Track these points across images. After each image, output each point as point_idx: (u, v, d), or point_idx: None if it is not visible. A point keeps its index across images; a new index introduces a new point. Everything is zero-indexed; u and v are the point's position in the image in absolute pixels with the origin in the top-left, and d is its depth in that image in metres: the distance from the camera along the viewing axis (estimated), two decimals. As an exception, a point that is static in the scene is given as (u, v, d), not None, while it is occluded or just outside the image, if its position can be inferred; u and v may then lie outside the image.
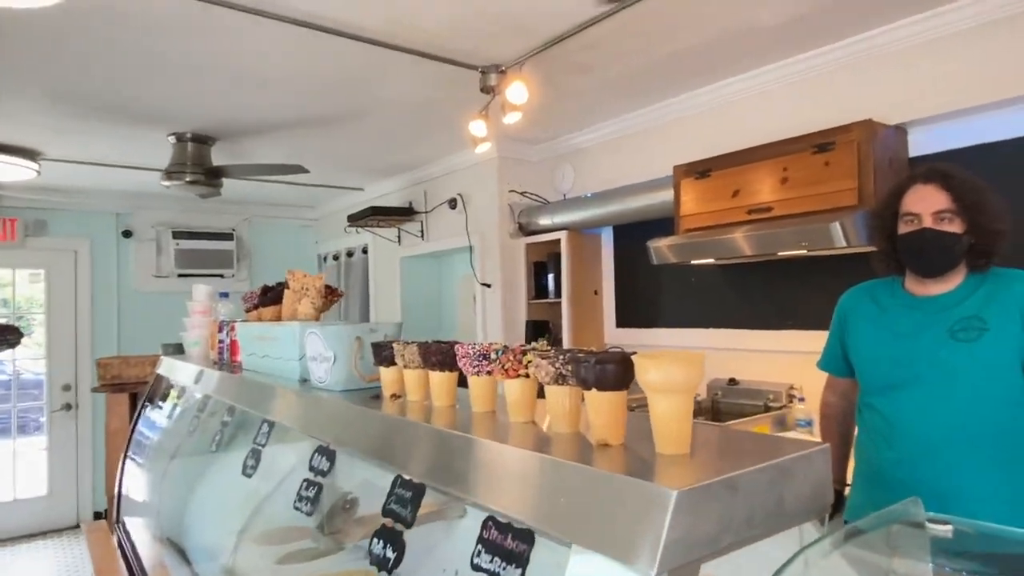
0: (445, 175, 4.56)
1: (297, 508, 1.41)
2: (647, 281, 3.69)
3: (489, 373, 1.09)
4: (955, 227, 1.68)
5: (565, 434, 0.92)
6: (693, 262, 3.02)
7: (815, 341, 2.07)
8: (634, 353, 0.84)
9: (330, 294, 1.86)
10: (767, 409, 2.88)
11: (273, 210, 6.15)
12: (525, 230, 4.11)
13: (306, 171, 3.83)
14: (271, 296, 1.99)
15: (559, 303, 3.87)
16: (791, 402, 2.83)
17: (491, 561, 0.86)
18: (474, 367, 1.10)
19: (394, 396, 1.30)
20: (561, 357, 0.92)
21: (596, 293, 3.97)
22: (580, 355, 0.88)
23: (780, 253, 2.66)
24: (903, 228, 1.76)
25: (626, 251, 3.85)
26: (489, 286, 4.18)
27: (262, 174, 4.02)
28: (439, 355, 1.18)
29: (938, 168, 1.74)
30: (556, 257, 3.93)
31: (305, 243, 6.42)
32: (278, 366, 1.76)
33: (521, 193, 4.16)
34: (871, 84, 2.61)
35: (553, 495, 0.77)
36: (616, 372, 0.85)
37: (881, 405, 1.78)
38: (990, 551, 0.98)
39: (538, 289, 4.07)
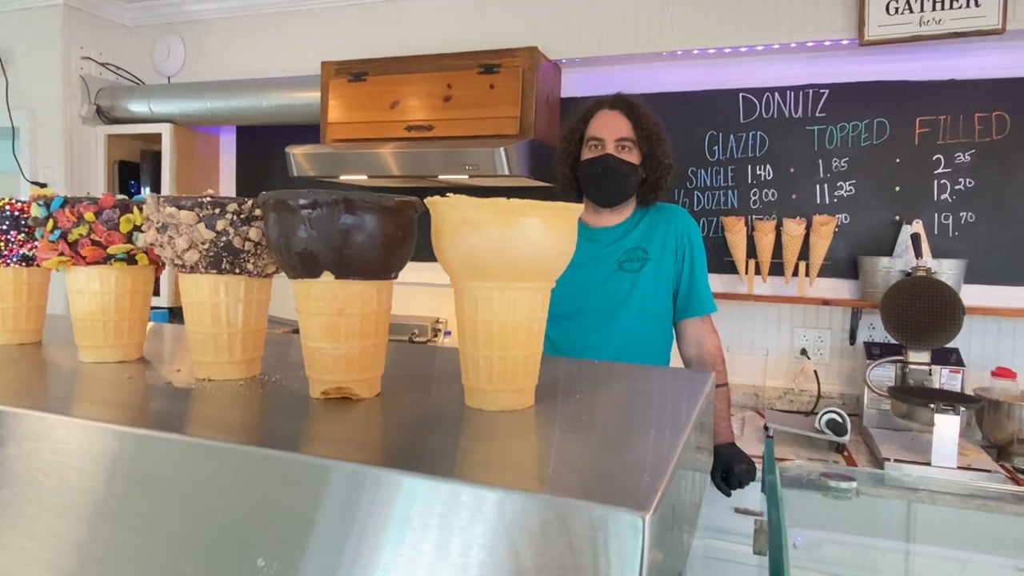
0: (-31, 16, 3.08)
1: None
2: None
3: (29, 259, 0.72)
4: (633, 157, 1.69)
5: (235, 386, 0.58)
6: (342, 178, 2.60)
7: None
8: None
9: None
10: (412, 343, 2.70)
11: None
12: (107, 116, 3.06)
13: None
14: None
15: (157, 217, 3.00)
16: (436, 336, 2.70)
17: None
18: None
19: None
20: (229, 206, 0.56)
21: (209, 209, 3.20)
22: (288, 199, 0.50)
23: (441, 177, 2.45)
24: (587, 153, 1.73)
25: (253, 159, 3.18)
26: (44, 186, 3.00)
27: None
28: None
29: (624, 96, 1.73)
30: (154, 157, 3.03)
31: None
32: None
33: (102, 64, 3.06)
34: (536, 13, 2.56)
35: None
36: (388, 232, 0.51)
37: (552, 334, 1.72)
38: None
39: (125, 197, 3.09)
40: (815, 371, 2.35)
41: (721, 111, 2.47)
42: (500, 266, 0.48)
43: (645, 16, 2.42)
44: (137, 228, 0.63)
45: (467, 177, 2.41)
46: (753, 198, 2.45)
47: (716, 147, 2.48)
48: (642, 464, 0.40)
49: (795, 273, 2.33)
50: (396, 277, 0.55)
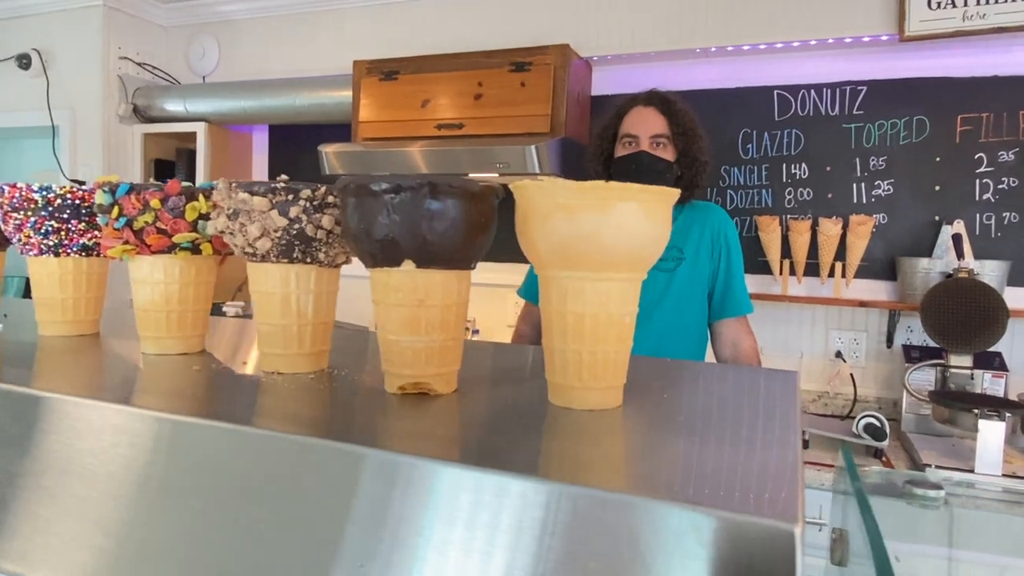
0: (11, 18, 3.16)
1: None
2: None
3: (88, 249, 0.71)
4: (668, 154, 1.67)
5: (307, 379, 0.56)
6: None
7: (492, 273, 1.93)
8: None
9: None
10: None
11: None
12: (144, 115, 3.11)
13: None
14: None
15: (191, 214, 3.05)
16: (465, 334, 2.70)
17: None
18: (45, 232, 0.69)
19: None
20: (303, 192, 0.54)
21: (241, 207, 3.24)
22: (370, 183, 0.48)
23: (471, 175, 2.45)
24: (620, 151, 1.71)
25: (286, 157, 3.21)
26: (83, 184, 3.07)
27: None
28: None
29: (659, 93, 1.71)
30: (189, 156, 3.08)
31: None
32: None
33: (139, 64, 3.12)
34: (568, 10, 2.55)
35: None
36: (472, 219, 0.49)
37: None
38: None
39: (160, 195, 3.14)
40: (851, 374, 2.30)
41: (755, 108, 2.43)
42: (594, 254, 0.45)
43: (678, 12, 2.39)
44: (203, 216, 0.61)
45: (497, 175, 2.40)
46: (788, 197, 2.41)
47: (750, 145, 2.45)
48: (767, 470, 0.37)
49: (831, 274, 2.29)
50: (475, 268, 0.53)
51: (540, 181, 0.46)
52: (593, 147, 1.78)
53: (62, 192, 0.70)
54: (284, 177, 0.54)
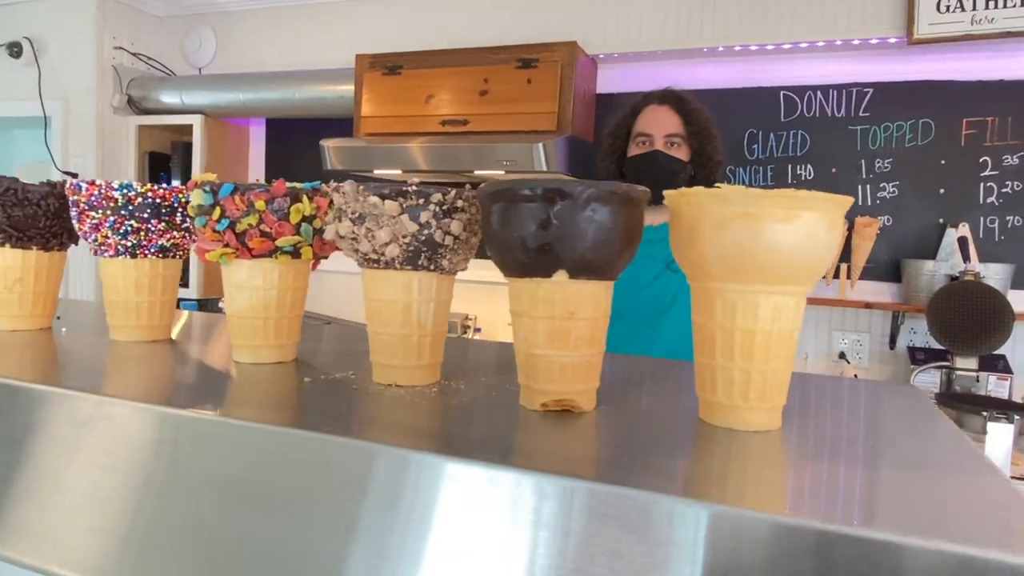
0: (1, 4, 3.08)
1: None
2: (306, 192, 3.10)
3: (166, 250, 0.67)
4: (682, 154, 1.66)
5: (430, 392, 0.53)
6: (375, 172, 2.58)
7: (493, 272, 1.91)
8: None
9: None
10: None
11: None
12: (139, 107, 3.05)
13: None
14: None
15: (187, 208, 2.99)
16: (466, 332, 2.68)
17: None
18: (124, 233, 0.66)
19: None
20: (433, 196, 0.51)
21: (237, 201, 3.19)
22: (523, 188, 0.45)
23: (477, 173, 2.43)
24: (634, 150, 1.69)
25: (284, 151, 3.17)
26: (75, 176, 3.00)
27: None
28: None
29: (674, 91, 1.69)
30: (185, 149, 3.02)
31: None
32: None
33: (134, 54, 3.06)
34: (574, 6, 2.53)
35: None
36: (628, 227, 0.47)
37: (597, 335, 1.70)
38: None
39: (155, 188, 3.08)
40: (855, 375, 2.31)
41: (761, 109, 2.43)
42: (774, 266, 0.42)
43: (686, 11, 2.38)
44: (305, 219, 0.58)
45: (503, 173, 2.38)
46: (793, 198, 2.40)
47: (755, 146, 2.44)
48: (984, 499, 0.34)
49: (836, 275, 2.30)
50: (616, 279, 0.50)
51: (720, 187, 0.43)
52: (606, 145, 1.76)
53: (143, 191, 0.66)
54: (415, 180, 0.51)
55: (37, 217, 0.73)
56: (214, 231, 0.57)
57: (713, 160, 1.66)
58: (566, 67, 2.37)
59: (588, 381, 0.49)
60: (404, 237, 0.50)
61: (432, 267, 0.53)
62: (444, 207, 0.51)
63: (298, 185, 0.59)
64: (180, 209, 0.70)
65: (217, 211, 0.56)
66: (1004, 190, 2.19)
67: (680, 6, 2.39)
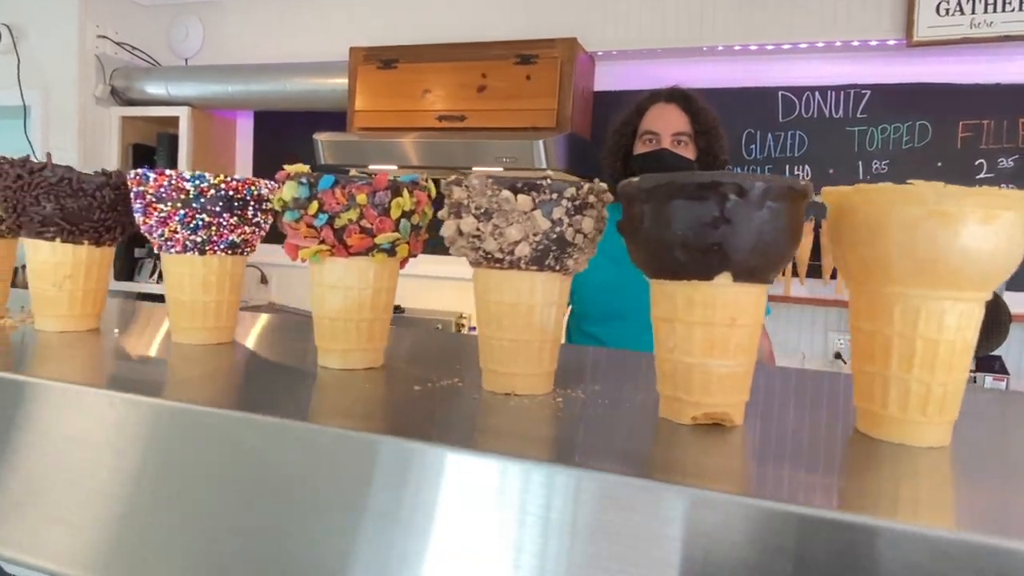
0: (-21, -11, 2.98)
1: None
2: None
3: (235, 247, 0.64)
4: (689, 153, 1.64)
5: (554, 402, 0.50)
6: (370, 167, 2.54)
7: None
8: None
9: None
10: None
11: None
12: (122, 98, 2.97)
13: None
14: None
15: (172, 203, 2.92)
16: (460, 331, 2.65)
17: None
18: (194, 228, 0.62)
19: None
20: (566, 191, 0.47)
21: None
22: (690, 181, 0.42)
23: (474, 169, 2.39)
24: (640, 148, 1.67)
25: (272, 144, 3.10)
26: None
27: None
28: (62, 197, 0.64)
29: (680, 90, 1.68)
30: (170, 141, 2.95)
31: None
32: None
33: (118, 44, 2.97)
34: (574, 3, 2.50)
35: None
36: (794, 226, 0.43)
37: (602, 335, 1.68)
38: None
39: (139, 181, 3.00)
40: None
41: (759, 109, 2.42)
42: (969, 270, 0.39)
43: (687, 10, 2.37)
44: (405, 214, 0.54)
45: (501, 170, 2.35)
46: (790, 199, 2.40)
47: (753, 146, 2.44)
48: None
49: (833, 276, 2.30)
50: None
51: (912, 184, 0.39)
52: (611, 143, 1.74)
53: (215, 182, 0.61)
54: (549, 173, 0.47)
55: (91, 209, 0.66)
56: (310, 227, 0.52)
57: (719, 159, 1.64)
58: (566, 64, 2.34)
59: (743, 392, 0.45)
60: (535, 235, 0.46)
61: (558, 267, 0.49)
62: (576, 203, 0.47)
63: (399, 178, 0.54)
64: (252, 202, 0.64)
65: (314, 205, 0.52)
66: (999, 193, 2.21)
67: (680, 5, 2.37)
